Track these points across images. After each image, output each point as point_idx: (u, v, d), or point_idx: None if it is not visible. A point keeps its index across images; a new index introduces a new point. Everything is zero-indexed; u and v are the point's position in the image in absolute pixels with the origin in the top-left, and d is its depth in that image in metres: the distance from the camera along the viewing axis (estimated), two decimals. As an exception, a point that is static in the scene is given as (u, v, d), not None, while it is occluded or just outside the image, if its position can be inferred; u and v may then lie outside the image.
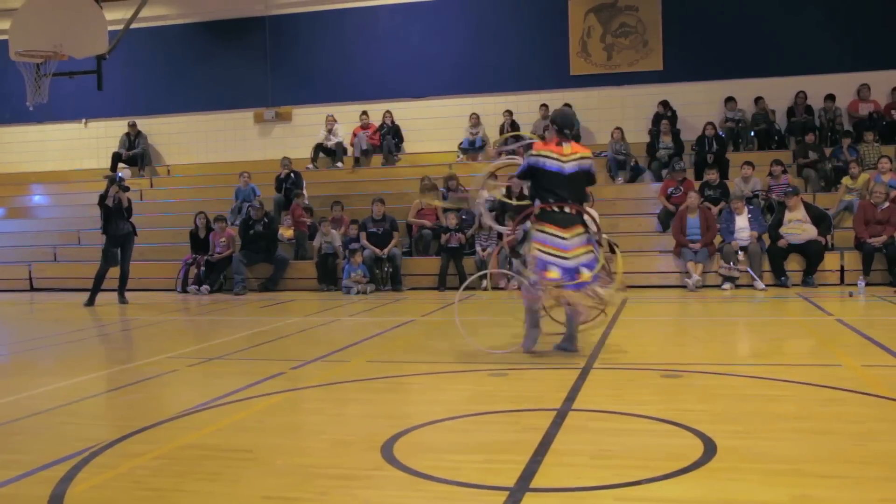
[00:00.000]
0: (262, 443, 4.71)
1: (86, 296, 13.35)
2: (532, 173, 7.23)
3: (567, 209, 7.04)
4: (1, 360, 8.73)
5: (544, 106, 18.00)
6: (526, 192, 7.73)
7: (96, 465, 4.31)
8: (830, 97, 17.05)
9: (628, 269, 13.81)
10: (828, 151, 16.04)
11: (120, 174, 13.65)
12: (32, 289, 16.59)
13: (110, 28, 13.76)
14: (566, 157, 7.13)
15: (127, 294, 13.49)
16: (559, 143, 7.20)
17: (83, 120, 20.73)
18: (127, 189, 13.66)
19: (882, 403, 5.31)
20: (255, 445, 4.65)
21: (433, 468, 4.07)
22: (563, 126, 7.29)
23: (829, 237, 13.52)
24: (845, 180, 14.92)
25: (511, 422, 5.09)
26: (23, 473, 4.19)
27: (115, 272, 13.39)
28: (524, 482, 3.85)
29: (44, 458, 4.42)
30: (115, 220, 13.25)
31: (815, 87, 17.14)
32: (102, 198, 13.36)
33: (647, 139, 17.31)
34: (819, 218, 13.39)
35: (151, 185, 19.68)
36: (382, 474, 4.07)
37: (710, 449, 4.29)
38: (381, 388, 6.24)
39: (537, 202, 7.17)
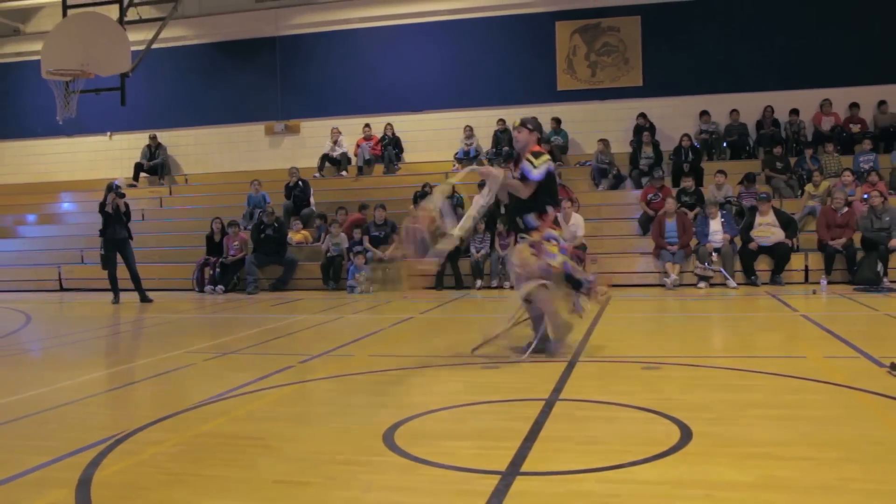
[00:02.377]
0: (273, 431, 4.71)
1: (111, 295, 13.44)
2: (546, 180, 6.72)
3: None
4: (33, 355, 8.72)
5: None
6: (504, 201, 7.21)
7: (121, 452, 4.31)
8: (795, 111, 17.09)
9: (611, 269, 13.93)
10: (792, 161, 16.08)
11: (116, 182, 13.64)
12: (62, 289, 16.59)
13: (133, 48, 13.79)
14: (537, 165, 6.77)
15: (148, 293, 13.49)
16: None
17: (108, 133, 20.72)
18: (123, 196, 13.67)
19: (842, 391, 5.32)
20: (266, 433, 4.65)
21: (431, 454, 4.07)
22: (541, 133, 7.00)
23: (794, 240, 13.55)
24: (808, 188, 14.96)
25: (503, 411, 5.09)
26: (53, 459, 4.19)
27: (123, 272, 13.43)
28: (515, 467, 3.85)
29: (73, 445, 4.42)
30: (114, 225, 13.29)
31: (782, 102, 17.18)
32: (102, 205, 13.42)
33: (628, 149, 17.33)
34: (786, 222, 13.42)
35: (170, 193, 19.67)
36: (384, 460, 4.07)
37: (686, 435, 4.29)
38: (383, 381, 6.24)
39: (550, 209, 6.72)
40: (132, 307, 12.81)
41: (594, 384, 5.77)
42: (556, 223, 6.74)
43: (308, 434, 4.68)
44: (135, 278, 13.46)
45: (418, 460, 4.00)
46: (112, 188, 13.59)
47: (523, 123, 6.91)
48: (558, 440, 4.33)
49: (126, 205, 13.62)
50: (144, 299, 13.33)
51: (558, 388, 5.55)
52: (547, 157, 6.81)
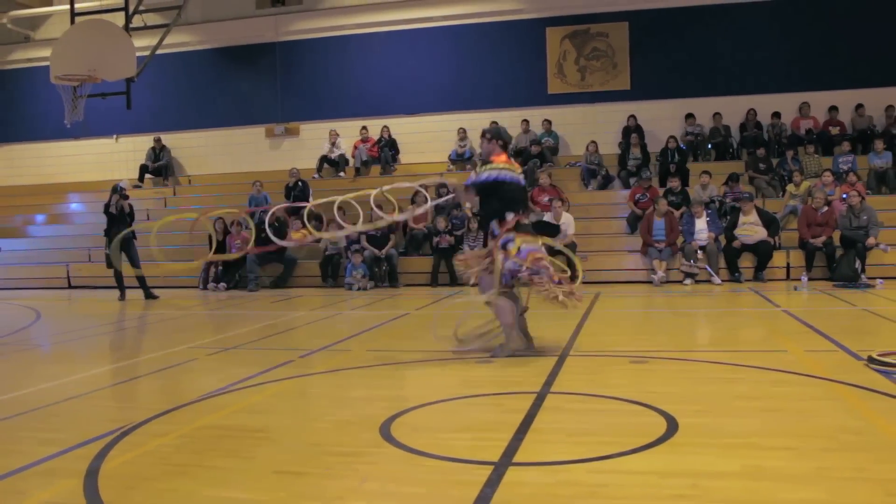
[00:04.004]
0: (273, 423, 4.71)
1: (117, 292, 13.51)
2: (496, 187, 6.48)
3: (528, 220, 6.66)
4: (42, 350, 8.70)
5: (525, 121, 18.05)
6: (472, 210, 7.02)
7: (127, 443, 4.30)
8: (777, 114, 17.12)
9: (600, 266, 13.96)
10: (774, 162, 16.10)
11: (121, 184, 13.65)
12: (70, 286, 16.58)
13: (138, 54, 13.77)
14: (519, 171, 6.67)
15: (153, 290, 13.49)
16: (510, 158, 6.71)
17: (114, 136, 20.67)
18: (126, 198, 13.67)
19: (822, 384, 5.32)
20: (267, 425, 4.65)
21: (426, 445, 4.06)
22: (508, 142, 6.74)
23: (776, 238, 13.58)
24: (789, 188, 14.98)
25: (496, 404, 5.10)
26: (62, 450, 4.19)
27: (128, 270, 13.44)
28: (507, 457, 3.85)
29: (80, 437, 4.41)
30: (118, 225, 13.30)
31: (764, 105, 17.19)
32: (107, 206, 13.43)
33: (617, 151, 17.35)
34: (768, 221, 13.44)
35: (174, 194, 19.63)
36: (381, 451, 4.06)
37: (672, 426, 4.30)
38: (380, 375, 6.22)
39: (510, 215, 6.44)
40: (138, 304, 12.79)
41: (584, 378, 5.77)
42: (521, 228, 6.48)
43: (307, 426, 4.68)
44: (140, 277, 13.45)
45: (414, 451, 4.00)
46: (116, 190, 13.58)
47: (483, 134, 6.82)
48: (549, 432, 4.33)
49: (130, 206, 13.62)
50: (149, 296, 13.32)
51: (549, 382, 5.54)
52: (497, 164, 6.53)
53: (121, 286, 13.50)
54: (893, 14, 16.69)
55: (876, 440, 4.06)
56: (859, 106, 16.87)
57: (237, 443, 4.30)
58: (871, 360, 5.74)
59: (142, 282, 13.43)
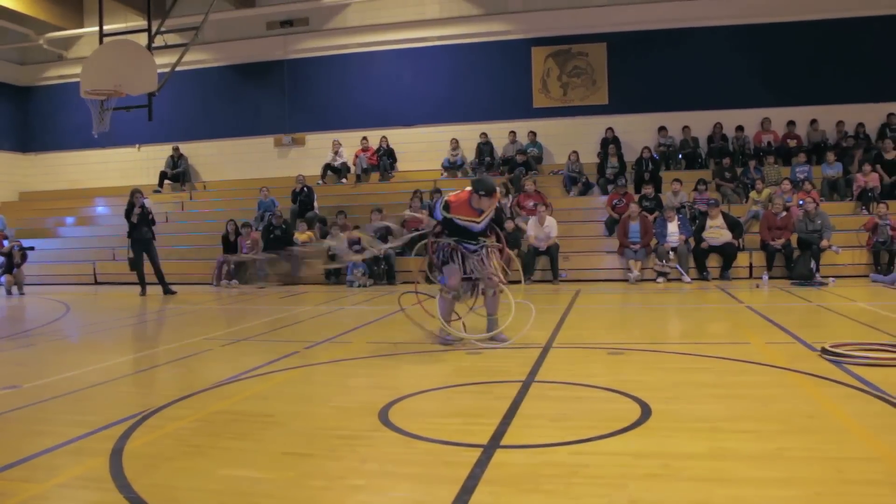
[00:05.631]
0: (280, 409, 4.70)
1: (139, 288, 13.52)
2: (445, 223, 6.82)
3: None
4: (72, 340, 8.66)
5: (512, 133, 18.07)
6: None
7: (148, 426, 4.30)
8: (740, 128, 17.17)
9: (580, 266, 13.98)
10: (739, 171, 16.14)
11: (144, 200, 13.62)
12: (96, 282, 16.55)
13: (159, 70, 13.73)
14: (480, 220, 6.72)
15: (171, 286, 13.49)
16: (479, 210, 6.67)
17: (137, 145, 20.61)
18: (150, 212, 13.62)
19: (780, 373, 5.34)
20: (275, 411, 4.64)
21: (421, 429, 4.07)
22: (476, 188, 6.61)
23: (740, 240, 13.62)
24: (752, 194, 15.02)
25: (484, 392, 5.10)
26: (90, 431, 4.19)
27: (150, 267, 13.47)
28: (495, 440, 3.86)
29: (106, 420, 4.41)
30: (139, 227, 13.32)
31: (729, 119, 17.23)
32: (128, 212, 13.41)
33: (596, 160, 17.37)
34: (733, 225, 13.48)
35: (191, 198, 19.59)
36: (380, 435, 4.06)
37: (646, 412, 4.31)
38: (379, 364, 6.22)
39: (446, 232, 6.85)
40: (157, 299, 12.76)
41: (565, 368, 5.77)
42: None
43: (311, 411, 4.67)
44: (158, 273, 13.46)
45: (410, 435, 4.00)
46: (140, 204, 13.50)
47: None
48: (534, 417, 4.34)
49: (150, 211, 13.64)
50: (167, 291, 13.33)
51: (534, 372, 5.55)
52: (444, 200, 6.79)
53: (142, 283, 13.52)
54: (843, 41, 16.78)
55: (828, 423, 4.08)
56: (814, 121, 16.94)
57: (248, 426, 4.29)
58: (824, 351, 5.76)
59: (161, 278, 13.43)
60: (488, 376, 5.50)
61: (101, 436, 4.11)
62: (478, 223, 6.76)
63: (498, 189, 6.88)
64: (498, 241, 7.09)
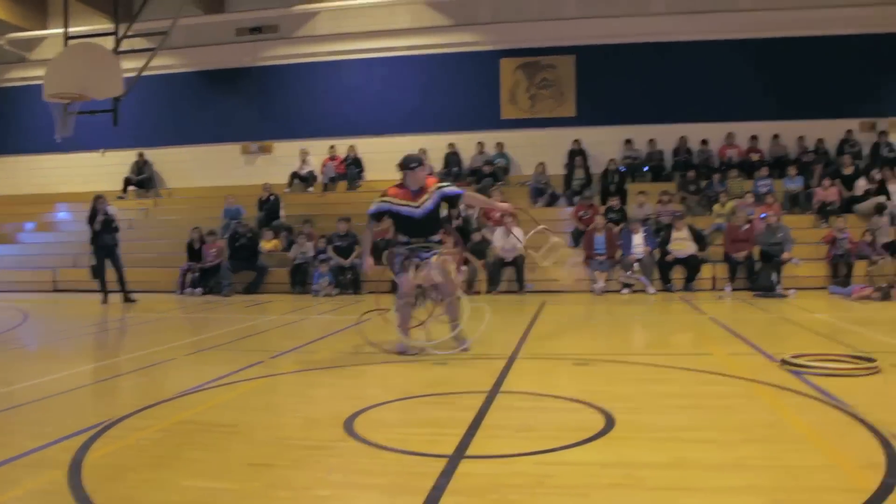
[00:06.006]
0: (245, 419, 4.66)
1: (101, 296, 13.28)
2: (386, 215, 6.95)
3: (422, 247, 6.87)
4: (30, 349, 8.53)
5: (480, 143, 18.15)
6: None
7: (108, 437, 4.24)
8: (705, 142, 17.46)
9: (546, 276, 14.01)
10: (703, 184, 16.37)
11: (107, 207, 13.45)
12: (56, 290, 16.25)
13: (125, 75, 13.55)
14: (418, 204, 6.83)
15: (132, 294, 13.32)
16: (414, 191, 6.85)
17: (101, 150, 20.25)
18: (112, 218, 13.46)
19: (741, 383, 5.42)
20: (239, 421, 4.60)
21: (386, 440, 4.06)
22: (405, 164, 6.88)
23: (704, 252, 13.80)
24: (716, 207, 15.25)
25: (450, 402, 5.10)
26: (49, 442, 4.11)
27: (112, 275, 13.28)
28: (460, 451, 3.87)
29: (65, 430, 4.33)
30: (102, 234, 13.15)
31: (694, 133, 17.51)
32: (91, 219, 13.24)
33: (563, 171, 17.50)
34: (697, 237, 13.67)
35: (155, 205, 19.35)
36: (345, 445, 4.05)
37: (610, 422, 4.34)
38: (344, 374, 6.21)
39: (400, 237, 7.00)
40: (119, 307, 12.59)
41: (531, 378, 5.81)
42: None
43: (276, 422, 4.64)
44: (121, 281, 13.28)
45: (375, 445, 3.99)
46: (104, 213, 13.33)
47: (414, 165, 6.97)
48: (498, 427, 4.35)
49: (114, 218, 13.46)
50: (128, 300, 13.16)
51: (499, 382, 5.57)
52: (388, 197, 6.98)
53: (104, 290, 13.31)
54: (804, 59, 17.15)
55: (786, 433, 4.16)
56: (776, 136, 17.29)
57: (212, 437, 4.26)
58: (784, 361, 5.87)
59: (122, 286, 13.25)
60: (454, 387, 5.51)
61: (60, 447, 4.03)
62: (416, 207, 6.81)
63: (423, 159, 6.98)
64: (456, 245, 7.16)
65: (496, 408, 4.81)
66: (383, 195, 7.03)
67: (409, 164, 6.87)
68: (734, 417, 4.48)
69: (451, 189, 7.00)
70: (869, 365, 5.71)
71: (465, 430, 4.23)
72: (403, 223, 6.94)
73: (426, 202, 6.84)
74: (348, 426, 4.36)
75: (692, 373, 5.87)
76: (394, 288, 7.50)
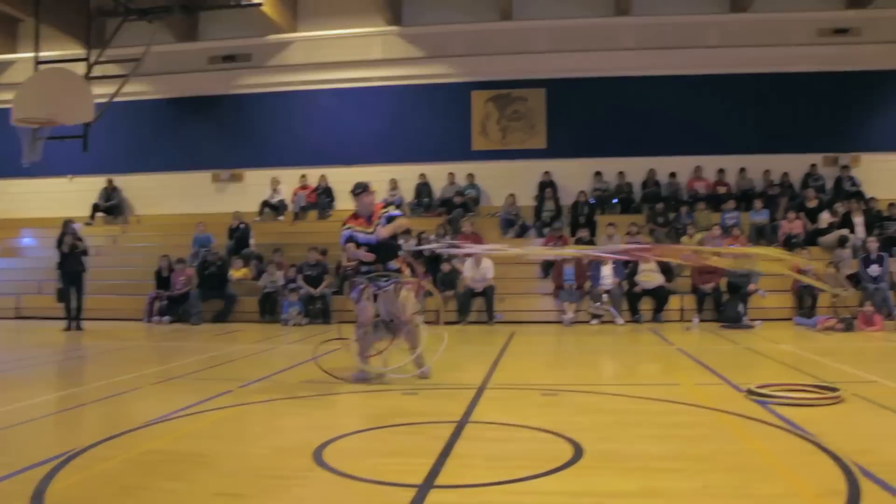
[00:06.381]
0: (213, 449, 4.63)
1: (63, 323, 13.08)
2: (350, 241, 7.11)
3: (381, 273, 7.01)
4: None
5: (451, 174, 18.26)
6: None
7: (73, 467, 4.17)
8: (673, 174, 17.72)
9: (516, 307, 14.12)
10: (671, 216, 16.60)
11: (75, 226, 13.34)
12: (18, 317, 15.95)
13: (96, 100, 13.47)
14: (371, 230, 7.07)
15: (84, 323, 13.21)
16: (367, 218, 7.11)
17: (69, 175, 20.07)
18: (80, 239, 13.36)
19: (707, 413, 5.50)
20: (207, 451, 4.57)
21: (355, 470, 4.05)
22: (352, 190, 7.24)
23: (672, 283, 13.95)
24: (684, 239, 15.41)
25: (420, 432, 5.10)
26: (9, 473, 4.03)
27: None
28: (430, 481, 3.87)
29: (28, 461, 4.25)
30: (69, 260, 13.01)
31: (663, 166, 17.78)
32: (59, 243, 13.12)
33: (533, 203, 17.63)
34: (665, 268, 13.82)
35: (124, 232, 19.17)
36: (314, 475, 4.04)
37: (578, 452, 4.38)
38: (313, 404, 6.19)
39: (361, 265, 7.12)
40: (85, 334, 12.42)
41: (500, 408, 5.82)
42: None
43: (245, 452, 4.61)
44: (79, 308, 13.14)
45: (344, 475, 3.99)
46: (69, 231, 13.22)
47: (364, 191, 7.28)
48: (468, 457, 4.36)
49: (83, 244, 13.35)
50: (77, 327, 13.05)
51: (468, 412, 5.59)
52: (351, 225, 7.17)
53: (69, 317, 13.14)
54: (770, 94, 17.61)
55: (751, 461, 4.22)
56: (742, 169, 17.61)
57: (180, 467, 4.21)
58: (749, 392, 5.96)
59: (78, 312, 13.12)
60: (423, 416, 5.51)
61: (21, 478, 3.96)
62: (370, 233, 7.03)
63: (368, 185, 7.25)
64: (414, 274, 7.30)
65: (465, 437, 4.82)
66: (345, 223, 7.26)
67: (354, 190, 7.20)
68: (701, 447, 4.53)
69: (393, 212, 7.33)
70: (832, 395, 5.82)
71: (435, 459, 4.23)
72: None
73: (378, 228, 7.06)
74: (317, 456, 4.34)
75: (660, 403, 5.92)
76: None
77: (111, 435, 4.93)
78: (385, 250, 7.08)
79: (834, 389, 5.94)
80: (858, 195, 16.41)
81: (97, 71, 14.03)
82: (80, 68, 13.91)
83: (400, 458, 4.38)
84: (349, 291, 7.33)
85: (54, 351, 10.60)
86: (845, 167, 17.32)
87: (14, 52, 19.65)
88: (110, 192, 19.66)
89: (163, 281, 15.02)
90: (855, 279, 13.66)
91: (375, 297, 6.99)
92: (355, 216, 7.22)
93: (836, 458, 4.11)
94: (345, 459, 4.29)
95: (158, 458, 4.44)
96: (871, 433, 4.91)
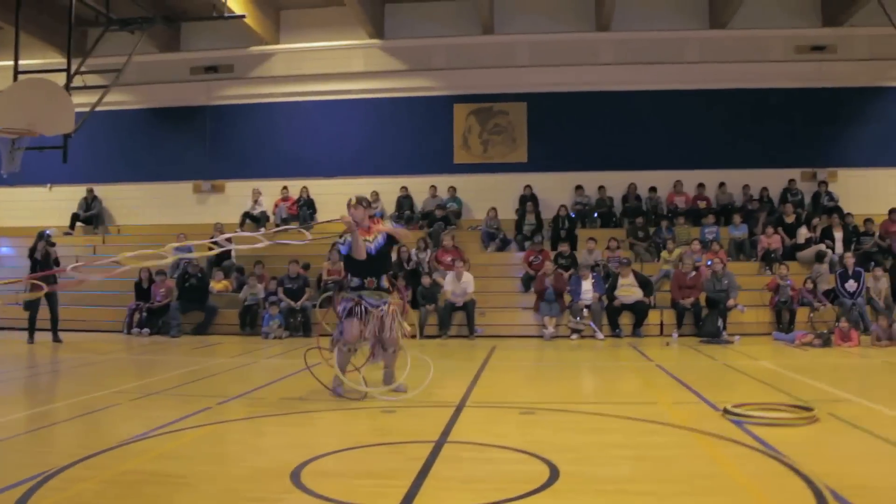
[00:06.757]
0: (192, 469, 4.62)
1: (26, 336, 12.94)
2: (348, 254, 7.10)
3: (373, 288, 7.02)
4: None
5: (433, 187, 18.32)
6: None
7: (48, 489, 4.15)
8: (653, 189, 17.88)
9: (496, 321, 14.17)
10: (651, 230, 16.74)
11: (48, 232, 13.24)
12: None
13: (77, 110, 13.40)
14: (370, 238, 7.06)
15: (61, 334, 13.08)
16: (365, 228, 7.08)
17: (48, 185, 19.97)
18: (53, 245, 13.30)
19: (684, 433, 5.56)
20: (186, 472, 4.56)
21: (333, 491, 4.07)
22: (359, 200, 7.19)
23: (651, 298, 14.06)
24: (664, 254, 15.58)
25: (397, 452, 5.12)
26: (-19, 497, 4.02)
27: (45, 313, 13.00)
28: (407, 501, 3.89)
29: (1, 482, 4.23)
30: (42, 269, 12.87)
31: (643, 180, 17.95)
32: (32, 251, 13.03)
33: (514, 217, 17.73)
34: (644, 283, 13.94)
35: (104, 242, 19.02)
36: (292, 497, 4.04)
37: (554, 473, 4.41)
38: (292, 423, 6.19)
39: (352, 279, 7.10)
40: (55, 347, 12.31)
41: (477, 428, 5.85)
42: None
43: (223, 472, 4.62)
44: (55, 320, 13.04)
45: (321, 497, 3.99)
46: (42, 237, 13.14)
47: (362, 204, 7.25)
48: (445, 479, 4.39)
49: (55, 253, 13.22)
50: (56, 339, 12.92)
51: (446, 432, 5.61)
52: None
53: (32, 329, 12.94)
54: (748, 109, 17.85)
55: (726, 483, 4.29)
56: (722, 184, 17.82)
57: (158, 488, 4.22)
58: (726, 411, 6.04)
59: (54, 325, 13.01)
60: (401, 436, 5.55)
61: (-4, 500, 3.96)
62: (370, 242, 7.01)
63: (358, 198, 7.21)
64: (398, 292, 7.34)
65: (443, 458, 4.85)
66: (341, 236, 7.24)
67: (348, 202, 7.16)
68: (675, 468, 4.59)
69: (397, 224, 7.32)
70: (807, 414, 5.91)
71: (412, 481, 4.26)
72: (357, 261, 7.02)
73: (377, 238, 7.06)
74: (295, 477, 4.36)
75: (636, 422, 5.99)
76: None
77: (88, 454, 4.91)
78: (381, 262, 7.09)
79: (808, 409, 6.03)
80: (837, 210, 16.63)
81: (78, 81, 13.99)
82: (60, 78, 13.87)
83: (377, 479, 4.40)
84: (335, 305, 7.24)
85: (26, 365, 10.51)
86: (823, 182, 17.56)
87: (-8, 61, 19.50)
88: (90, 201, 19.56)
89: (143, 292, 14.96)
90: (832, 295, 13.84)
91: (362, 318, 6.95)
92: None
93: (808, 481, 4.18)
94: (322, 481, 4.30)
95: (137, 478, 4.43)
96: (842, 455, 4.98)
